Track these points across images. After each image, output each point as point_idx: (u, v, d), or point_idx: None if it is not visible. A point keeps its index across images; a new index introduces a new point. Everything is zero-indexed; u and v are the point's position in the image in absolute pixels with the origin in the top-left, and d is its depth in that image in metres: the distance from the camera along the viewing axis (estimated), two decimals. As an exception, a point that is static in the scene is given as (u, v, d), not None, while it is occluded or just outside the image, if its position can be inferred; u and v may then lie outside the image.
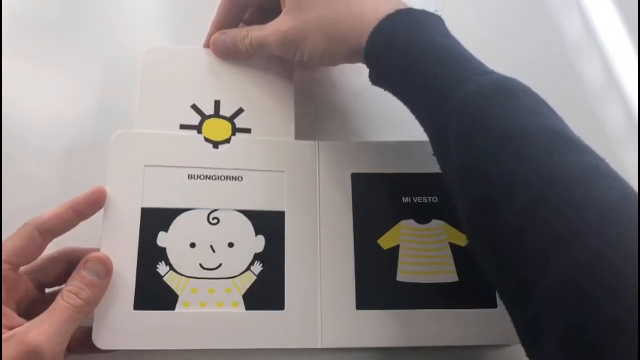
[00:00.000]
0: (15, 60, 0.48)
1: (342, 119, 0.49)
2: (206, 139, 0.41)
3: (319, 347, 0.38)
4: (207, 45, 0.44)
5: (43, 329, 0.33)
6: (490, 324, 0.39)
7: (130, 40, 0.50)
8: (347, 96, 0.49)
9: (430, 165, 0.40)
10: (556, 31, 0.52)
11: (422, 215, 0.41)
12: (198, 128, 0.41)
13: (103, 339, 0.36)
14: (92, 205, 0.38)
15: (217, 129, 0.41)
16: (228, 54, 0.43)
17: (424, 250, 0.41)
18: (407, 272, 0.40)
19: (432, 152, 0.36)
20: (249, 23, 0.45)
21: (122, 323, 0.36)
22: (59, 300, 0.34)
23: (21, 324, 0.33)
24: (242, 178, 0.40)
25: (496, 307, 0.39)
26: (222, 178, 0.40)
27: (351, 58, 0.39)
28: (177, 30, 0.51)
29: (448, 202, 0.38)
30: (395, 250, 0.41)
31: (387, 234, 0.41)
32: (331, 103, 0.49)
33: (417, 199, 0.42)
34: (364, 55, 0.37)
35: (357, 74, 0.44)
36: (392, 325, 0.39)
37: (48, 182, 0.44)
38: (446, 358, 0.41)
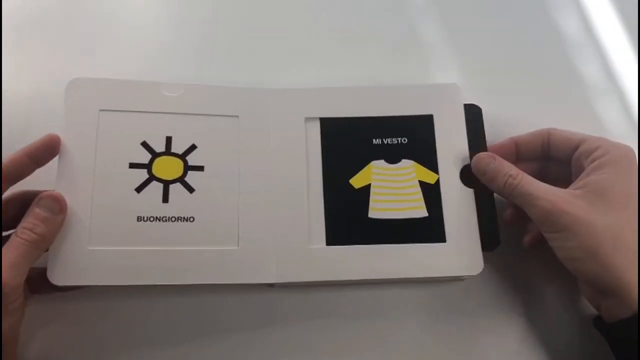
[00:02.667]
0: None
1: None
2: (157, 178, 0.40)
3: (273, 281, 0.39)
4: None
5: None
6: (452, 257, 0.40)
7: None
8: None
9: (399, 108, 0.43)
10: (555, 31, 0.52)
11: (392, 155, 0.43)
12: (148, 167, 0.40)
13: (57, 275, 0.37)
14: (46, 151, 0.38)
15: (169, 167, 0.40)
16: (482, 175, 0.41)
17: (394, 188, 0.42)
18: (378, 209, 0.41)
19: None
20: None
21: (76, 260, 0.37)
22: (13, 237, 0.35)
23: None
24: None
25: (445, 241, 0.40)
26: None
27: (598, 295, 0.37)
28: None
29: (417, 143, 0.42)
30: (366, 189, 0.42)
31: (359, 174, 0.42)
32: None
33: (387, 141, 0.43)
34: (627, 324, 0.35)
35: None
36: (362, 260, 0.40)
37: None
38: (403, 293, 0.42)
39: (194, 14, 0.52)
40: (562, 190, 0.38)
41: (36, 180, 0.38)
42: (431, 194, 0.41)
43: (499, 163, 0.40)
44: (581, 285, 0.39)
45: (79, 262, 0.37)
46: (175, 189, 0.40)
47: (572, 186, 0.38)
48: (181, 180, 0.40)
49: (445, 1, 0.54)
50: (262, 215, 0.40)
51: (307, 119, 0.43)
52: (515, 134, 0.43)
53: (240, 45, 0.51)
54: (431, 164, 0.42)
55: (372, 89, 0.44)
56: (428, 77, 0.50)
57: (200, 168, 0.40)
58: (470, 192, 0.41)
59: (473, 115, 0.43)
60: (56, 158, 0.39)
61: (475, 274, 0.40)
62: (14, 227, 0.39)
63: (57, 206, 0.37)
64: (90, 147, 0.39)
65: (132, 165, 0.40)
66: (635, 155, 0.38)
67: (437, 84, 0.44)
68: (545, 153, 0.42)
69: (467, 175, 0.42)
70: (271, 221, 0.40)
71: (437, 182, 0.42)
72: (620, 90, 0.50)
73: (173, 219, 0.39)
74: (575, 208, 0.36)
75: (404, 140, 0.43)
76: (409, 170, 0.42)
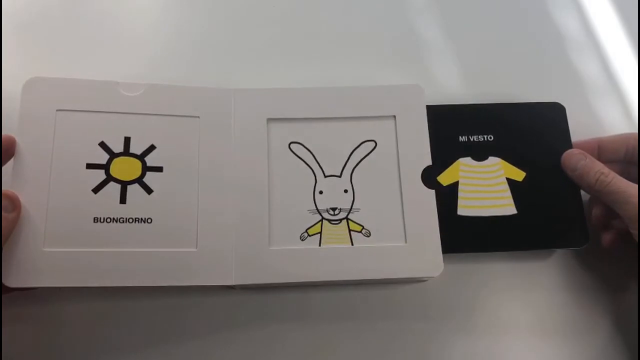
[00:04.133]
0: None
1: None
2: (114, 179, 0.39)
3: (232, 283, 0.39)
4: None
5: None
6: (399, 259, 0.40)
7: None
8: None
9: (344, 110, 0.43)
10: (555, 31, 0.53)
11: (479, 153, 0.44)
12: (106, 167, 0.40)
13: (11, 277, 0.36)
14: (2, 153, 0.38)
15: (127, 167, 0.40)
16: (572, 171, 0.42)
17: (481, 185, 0.43)
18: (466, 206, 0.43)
19: None
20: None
21: (31, 261, 0.37)
22: None
23: None
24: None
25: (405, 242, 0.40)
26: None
27: None
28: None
29: (504, 140, 0.44)
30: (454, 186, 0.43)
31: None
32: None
33: (474, 138, 0.44)
34: None
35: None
36: (303, 263, 0.40)
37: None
38: (361, 291, 0.42)
39: (184, 14, 0.52)
40: None
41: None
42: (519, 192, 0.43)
43: (591, 161, 0.42)
44: None
45: (34, 264, 0.37)
46: (133, 189, 0.39)
47: None
48: (139, 181, 0.40)
49: (445, 1, 0.54)
50: (221, 217, 0.40)
51: (269, 120, 0.42)
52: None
53: (231, 46, 0.51)
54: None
55: (336, 89, 0.44)
56: (428, 77, 0.50)
57: (159, 169, 0.40)
58: (431, 193, 0.41)
59: (557, 112, 0.45)
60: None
61: (436, 275, 0.40)
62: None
63: (10, 204, 0.36)
64: (47, 147, 0.39)
65: (90, 166, 0.39)
66: None
67: (400, 84, 0.44)
68: (629, 157, 0.43)
69: (428, 176, 0.42)
70: (231, 223, 0.40)
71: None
72: (620, 90, 0.51)
73: (130, 220, 0.39)
74: None
75: (490, 137, 0.44)
76: (497, 167, 0.44)
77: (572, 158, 0.42)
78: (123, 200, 0.39)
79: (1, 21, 0.49)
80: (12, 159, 0.38)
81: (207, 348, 0.41)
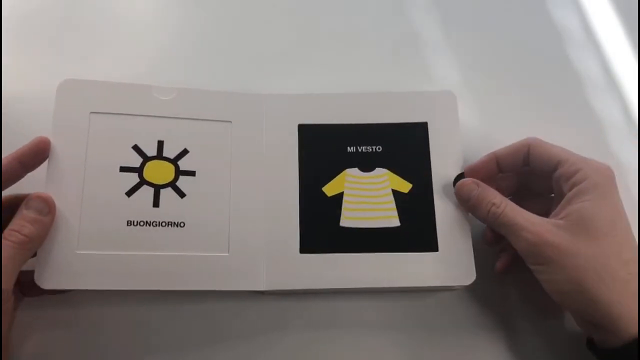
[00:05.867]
0: None
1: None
2: (148, 182, 0.39)
3: (263, 289, 0.39)
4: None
5: None
6: (430, 267, 0.40)
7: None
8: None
9: (375, 116, 0.42)
10: (555, 31, 0.53)
11: (367, 163, 0.42)
12: (139, 170, 0.39)
13: (45, 279, 0.36)
14: (36, 155, 0.38)
15: (160, 171, 0.40)
16: (465, 202, 0.40)
17: (367, 197, 0.42)
18: (350, 217, 0.41)
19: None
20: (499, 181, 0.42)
21: (65, 263, 0.37)
22: (2, 240, 0.34)
23: None
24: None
25: (437, 250, 0.40)
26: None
27: (588, 325, 0.36)
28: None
29: (392, 151, 0.41)
30: (339, 197, 0.41)
31: (332, 181, 0.42)
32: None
33: (362, 149, 0.43)
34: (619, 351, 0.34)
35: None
36: (334, 269, 0.39)
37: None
38: (388, 300, 0.42)
39: (191, 17, 0.52)
40: (546, 220, 0.37)
41: (28, 184, 0.38)
42: (405, 203, 0.41)
43: (483, 190, 0.39)
44: (571, 314, 0.38)
45: (67, 266, 0.37)
46: (167, 193, 0.39)
47: (555, 215, 0.37)
48: (172, 184, 0.40)
49: (445, 1, 0.54)
50: (252, 222, 0.40)
51: (301, 126, 0.42)
52: (516, 134, 0.42)
53: (237, 50, 0.51)
54: (407, 172, 0.42)
55: (349, 96, 0.44)
56: (428, 78, 0.50)
57: (191, 173, 0.40)
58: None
59: (420, 132, 0.43)
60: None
61: (467, 283, 0.40)
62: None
63: (46, 207, 0.36)
64: (81, 149, 0.39)
65: (123, 169, 0.39)
66: (614, 176, 0.37)
67: (433, 91, 0.44)
68: (526, 166, 0.41)
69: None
70: (262, 228, 0.40)
71: (411, 191, 0.41)
72: (620, 90, 0.51)
73: (163, 224, 0.39)
74: (560, 239, 0.35)
75: (379, 148, 0.42)
76: (383, 179, 0.42)
77: (464, 189, 0.40)
78: (156, 203, 0.39)
79: (1, 21, 0.49)
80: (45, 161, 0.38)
81: (236, 353, 0.40)
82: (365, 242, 0.40)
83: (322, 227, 0.40)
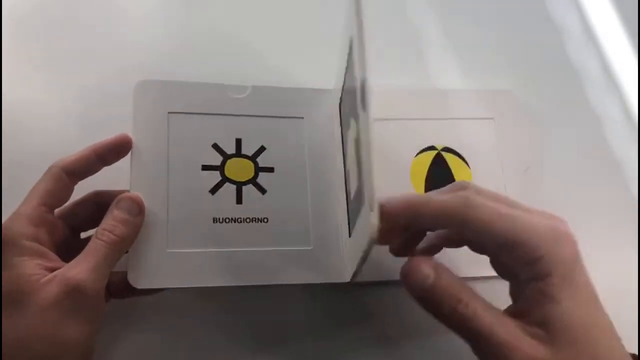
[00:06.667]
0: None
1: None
2: (229, 180, 0.40)
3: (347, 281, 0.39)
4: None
5: (82, 268, 0.33)
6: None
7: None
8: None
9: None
10: (555, 31, 0.53)
11: None
12: (221, 168, 0.40)
13: (138, 279, 0.36)
14: (115, 151, 0.38)
15: (241, 168, 0.40)
16: (418, 293, 0.30)
17: None
18: None
19: None
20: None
21: (156, 262, 0.37)
22: (94, 239, 0.35)
23: (61, 267, 0.33)
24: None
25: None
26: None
27: None
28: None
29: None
30: None
31: None
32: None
33: None
34: None
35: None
36: None
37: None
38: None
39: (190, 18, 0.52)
40: (524, 328, 0.29)
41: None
42: None
43: (442, 278, 0.29)
44: None
45: (159, 265, 0.37)
46: (248, 190, 0.40)
47: (529, 319, 0.29)
48: (253, 181, 0.40)
49: (446, 1, 0.54)
50: (330, 215, 0.40)
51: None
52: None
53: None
54: None
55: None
56: (428, 79, 0.50)
57: (270, 169, 0.41)
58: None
59: None
60: (124, 159, 0.39)
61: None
62: (87, 228, 0.39)
63: (136, 208, 0.36)
64: (163, 149, 0.39)
65: (205, 167, 0.40)
66: (578, 249, 0.30)
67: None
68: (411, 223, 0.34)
69: None
70: (338, 221, 0.40)
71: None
72: (620, 90, 0.52)
73: (248, 220, 0.39)
74: (547, 357, 0.28)
75: None
76: None
77: (415, 276, 0.30)
78: (239, 200, 0.39)
79: (1, 21, 0.48)
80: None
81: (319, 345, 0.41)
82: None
83: None
